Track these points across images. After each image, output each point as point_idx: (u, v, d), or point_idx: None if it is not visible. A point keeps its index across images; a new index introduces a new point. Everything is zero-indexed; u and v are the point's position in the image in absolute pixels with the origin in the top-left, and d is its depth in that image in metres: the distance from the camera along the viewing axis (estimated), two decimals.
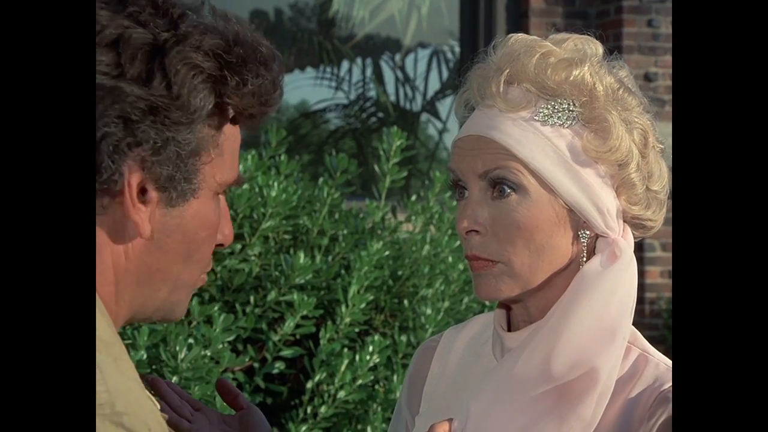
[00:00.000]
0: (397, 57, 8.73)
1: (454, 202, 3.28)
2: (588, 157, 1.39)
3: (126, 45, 1.10)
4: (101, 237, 1.12)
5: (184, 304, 1.21)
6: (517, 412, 1.37)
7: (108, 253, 1.13)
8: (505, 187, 1.38)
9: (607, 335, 1.38)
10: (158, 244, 1.15)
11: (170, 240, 1.16)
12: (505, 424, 1.37)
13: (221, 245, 1.22)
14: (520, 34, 1.45)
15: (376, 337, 2.76)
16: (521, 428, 1.36)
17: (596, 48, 1.46)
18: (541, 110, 1.39)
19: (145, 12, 1.12)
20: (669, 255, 5.79)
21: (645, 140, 1.41)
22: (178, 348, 2.48)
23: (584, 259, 1.40)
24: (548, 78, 1.39)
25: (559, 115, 1.39)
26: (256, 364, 2.75)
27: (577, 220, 1.40)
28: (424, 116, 8.94)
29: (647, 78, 6.30)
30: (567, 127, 1.39)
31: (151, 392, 1.27)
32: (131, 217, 1.12)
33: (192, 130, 1.13)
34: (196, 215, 1.16)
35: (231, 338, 2.62)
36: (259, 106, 1.17)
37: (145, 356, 2.47)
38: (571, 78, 1.39)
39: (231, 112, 1.17)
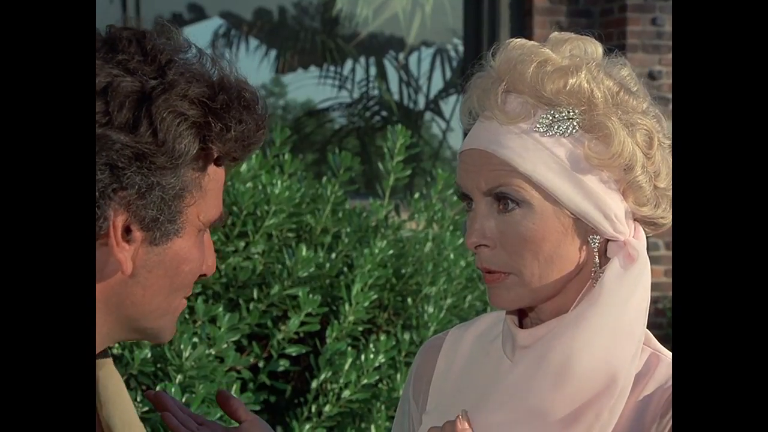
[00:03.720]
0: (401, 56, 8.73)
1: (455, 198, 3.29)
2: (590, 164, 1.38)
3: (115, 93, 1.12)
4: None
5: (171, 328, 1.24)
6: (539, 418, 1.37)
7: None
8: (510, 202, 1.39)
9: (624, 336, 1.38)
10: (137, 279, 1.18)
11: (151, 275, 1.18)
12: (529, 429, 1.37)
13: (204, 275, 1.25)
14: (518, 40, 1.44)
15: (382, 337, 2.76)
16: None
17: (595, 49, 1.44)
18: (540, 121, 1.38)
19: (133, 60, 1.15)
20: None
21: (649, 140, 1.41)
22: (182, 347, 2.48)
23: (597, 263, 1.41)
24: (545, 88, 1.38)
25: (559, 124, 1.38)
26: (260, 362, 2.76)
27: (585, 227, 1.40)
28: (428, 115, 8.95)
29: (651, 76, 6.30)
30: (567, 137, 1.38)
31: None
32: (115, 255, 1.15)
33: (176, 175, 1.16)
34: (179, 252, 1.19)
35: (236, 338, 2.62)
36: (242, 150, 1.21)
37: (149, 355, 2.48)
38: (568, 87, 1.38)
39: (215, 154, 1.20)
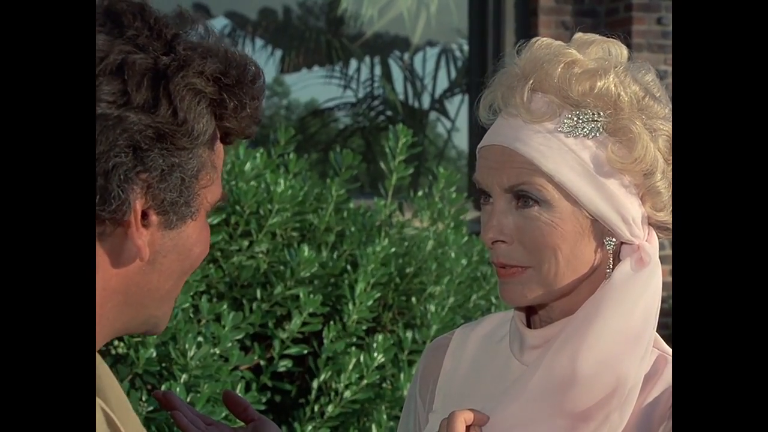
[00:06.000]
0: (406, 55, 8.73)
1: (453, 195, 3.29)
2: (612, 167, 1.39)
3: (131, 72, 1.08)
4: (98, 261, 1.11)
5: (168, 316, 1.21)
6: (548, 419, 1.37)
7: (100, 277, 1.12)
8: (530, 200, 1.39)
9: (632, 339, 1.38)
10: (153, 265, 1.15)
11: (166, 260, 1.15)
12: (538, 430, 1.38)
13: None
14: (545, 39, 1.45)
15: (380, 337, 2.77)
16: None
17: (621, 51, 1.45)
18: (565, 121, 1.39)
19: (142, 35, 1.11)
20: None
21: (670, 147, 1.41)
22: (187, 346, 2.49)
23: (610, 264, 1.41)
24: (572, 89, 1.38)
25: (584, 126, 1.39)
26: (262, 362, 2.76)
27: (602, 229, 1.40)
28: (433, 115, 8.94)
29: (657, 76, 6.29)
30: (591, 139, 1.39)
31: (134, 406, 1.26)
32: (135, 241, 1.11)
33: (194, 155, 1.13)
34: (191, 235, 1.16)
35: (240, 336, 2.63)
36: (254, 126, 1.18)
37: (154, 354, 2.48)
38: (596, 90, 1.39)
39: (223, 132, 1.17)
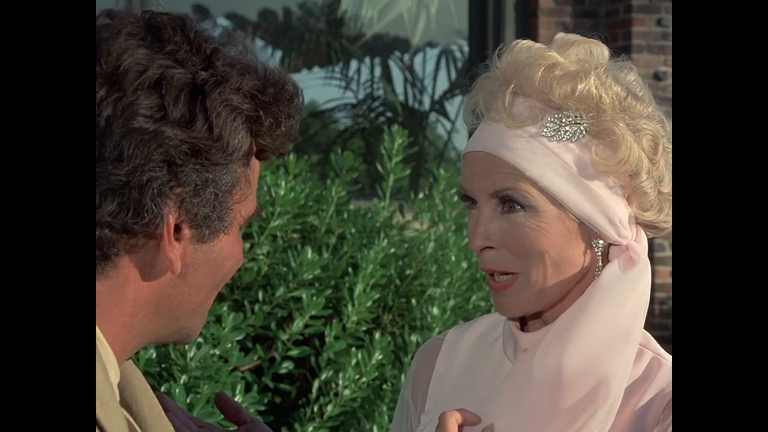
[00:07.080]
0: (406, 56, 8.74)
1: (456, 198, 3.29)
2: (597, 170, 1.39)
3: (169, 86, 1.09)
4: (129, 273, 1.13)
5: (200, 327, 1.22)
6: (535, 419, 1.38)
7: (131, 288, 1.13)
8: (515, 204, 1.39)
9: (619, 338, 1.38)
10: (185, 278, 1.16)
11: (198, 273, 1.16)
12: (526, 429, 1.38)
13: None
14: (525, 42, 1.44)
15: (377, 335, 2.77)
16: None
17: (602, 52, 1.44)
18: (548, 125, 1.38)
19: (182, 50, 1.11)
20: None
21: (654, 146, 1.41)
22: (187, 347, 2.49)
23: (600, 266, 1.41)
24: (553, 93, 1.38)
25: (566, 129, 1.39)
26: (264, 363, 2.76)
27: (589, 231, 1.40)
28: (433, 116, 8.95)
29: (657, 77, 6.29)
30: (574, 141, 1.38)
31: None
32: (167, 255, 1.12)
33: (228, 171, 1.14)
34: (223, 249, 1.17)
35: (240, 337, 2.63)
36: (289, 144, 1.19)
37: (154, 355, 2.48)
38: (577, 93, 1.38)
39: (258, 148, 1.18)
